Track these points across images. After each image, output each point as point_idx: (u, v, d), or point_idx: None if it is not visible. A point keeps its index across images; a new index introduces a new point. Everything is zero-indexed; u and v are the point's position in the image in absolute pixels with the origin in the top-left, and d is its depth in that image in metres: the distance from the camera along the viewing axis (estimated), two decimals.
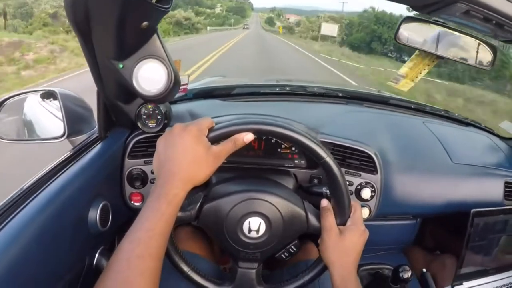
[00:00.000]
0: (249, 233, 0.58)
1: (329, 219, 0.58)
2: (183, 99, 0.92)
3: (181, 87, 0.77)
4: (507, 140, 1.09)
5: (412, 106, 1.13)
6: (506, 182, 0.87)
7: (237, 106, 0.96)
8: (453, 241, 0.96)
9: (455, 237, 0.92)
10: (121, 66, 0.56)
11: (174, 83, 0.58)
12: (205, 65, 8.76)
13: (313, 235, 0.61)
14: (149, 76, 0.57)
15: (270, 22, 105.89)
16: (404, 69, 0.75)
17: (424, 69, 0.76)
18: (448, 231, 1.03)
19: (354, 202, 0.61)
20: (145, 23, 0.51)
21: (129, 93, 0.61)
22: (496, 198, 0.86)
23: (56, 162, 0.64)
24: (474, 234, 0.82)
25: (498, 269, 0.88)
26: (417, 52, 0.75)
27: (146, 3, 0.48)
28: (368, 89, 1.53)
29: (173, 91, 0.59)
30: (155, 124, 0.70)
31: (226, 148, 0.52)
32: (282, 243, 0.61)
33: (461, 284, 0.85)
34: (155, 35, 0.56)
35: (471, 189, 0.86)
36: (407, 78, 0.77)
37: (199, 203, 0.58)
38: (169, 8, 0.52)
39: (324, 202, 0.60)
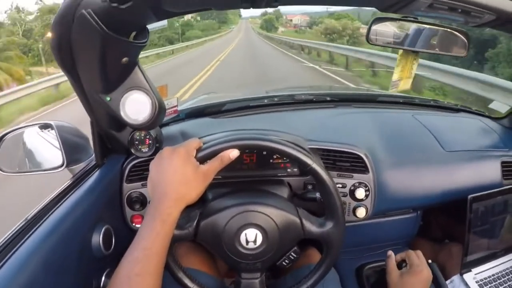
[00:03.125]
0: (247, 244, 0.59)
1: (390, 264, 0.74)
2: (175, 120, 0.94)
3: (171, 109, 0.80)
4: (499, 120, 1.08)
5: (401, 101, 1.14)
6: (502, 162, 0.88)
7: (227, 122, 0.98)
8: (457, 228, 0.96)
9: (459, 224, 0.92)
10: (108, 99, 0.59)
11: (159, 110, 0.61)
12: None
13: (313, 240, 0.63)
14: (134, 106, 0.60)
15: (268, 26, 75.96)
16: (396, 75, 0.77)
17: (413, 64, 0.77)
18: (451, 219, 1.03)
19: (410, 251, 0.74)
20: (125, 59, 0.54)
21: (120, 122, 0.64)
22: (495, 180, 0.86)
23: (57, 191, 0.66)
24: (476, 220, 0.82)
25: (506, 250, 0.88)
26: (398, 55, 0.77)
27: (123, 41, 0.51)
28: (358, 88, 1.55)
29: (158, 118, 0.63)
30: (147, 148, 0.74)
31: (213, 166, 0.55)
32: (281, 251, 0.63)
33: (470, 271, 0.85)
34: (136, 68, 0.59)
35: (468, 175, 0.86)
36: (403, 79, 0.78)
37: (196, 220, 0.60)
38: (145, 42, 0.54)
39: (389, 252, 0.76)
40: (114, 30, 0.48)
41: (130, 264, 0.48)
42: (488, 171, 0.87)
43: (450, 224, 1.04)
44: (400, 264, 0.75)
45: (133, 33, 0.55)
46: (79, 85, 0.59)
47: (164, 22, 0.61)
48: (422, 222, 0.96)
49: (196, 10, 0.53)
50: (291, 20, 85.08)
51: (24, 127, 0.82)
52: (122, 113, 0.60)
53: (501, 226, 0.87)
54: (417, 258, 0.73)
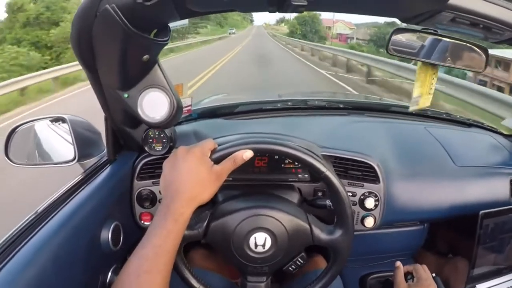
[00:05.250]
0: (255, 248, 0.59)
1: (399, 276, 0.73)
2: (188, 120, 0.94)
3: (185, 109, 0.80)
4: (510, 137, 1.08)
5: (414, 112, 1.13)
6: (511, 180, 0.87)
7: (240, 124, 0.98)
8: (463, 243, 0.95)
9: (465, 239, 0.92)
10: (126, 96, 0.59)
11: (177, 109, 0.61)
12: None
13: (320, 247, 0.63)
14: (152, 105, 0.60)
15: (307, 31, 46.22)
16: (416, 90, 0.75)
17: (433, 79, 0.76)
18: (457, 234, 1.02)
19: (418, 265, 0.73)
20: (146, 56, 0.54)
21: (135, 119, 0.64)
22: (503, 197, 0.85)
23: (68, 185, 0.66)
24: (484, 236, 0.82)
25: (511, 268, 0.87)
26: (417, 69, 0.76)
27: (145, 38, 0.51)
28: (370, 97, 1.54)
29: (176, 116, 0.62)
30: (161, 147, 0.74)
31: (226, 167, 0.55)
32: (289, 256, 0.63)
33: (474, 286, 0.84)
34: (156, 66, 0.59)
35: (477, 191, 0.86)
36: (423, 95, 0.77)
37: (206, 221, 0.60)
38: (167, 40, 0.54)
39: (397, 263, 0.75)
40: (137, 26, 0.48)
41: (139, 260, 0.48)
42: (497, 188, 0.86)
43: (456, 239, 1.03)
44: (406, 277, 0.74)
45: (154, 31, 0.55)
46: (96, 80, 0.59)
47: (186, 21, 0.61)
48: (427, 235, 0.95)
49: (219, 10, 0.53)
50: (328, 28, 57.19)
51: (36, 120, 0.82)
52: (139, 111, 0.60)
53: (508, 243, 0.86)
54: (424, 272, 0.73)
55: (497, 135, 1.09)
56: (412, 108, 0.76)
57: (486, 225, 0.81)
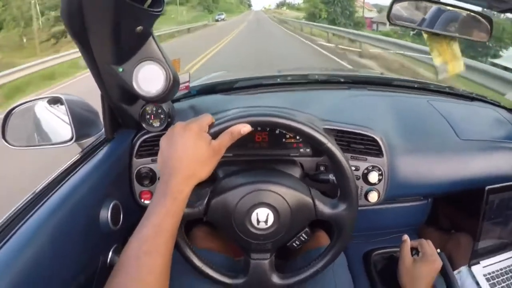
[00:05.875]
0: (257, 224, 0.58)
1: (405, 250, 0.72)
2: (186, 97, 0.93)
3: (183, 85, 0.79)
4: None
5: (416, 85, 1.11)
6: None
7: (239, 99, 0.96)
8: (467, 219, 0.95)
9: (469, 215, 0.91)
10: (120, 70, 0.58)
11: (173, 83, 0.60)
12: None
13: (323, 222, 0.62)
14: (148, 78, 0.59)
15: (337, 13, 26.13)
16: (437, 59, 0.72)
17: (453, 45, 0.72)
18: (461, 209, 1.01)
19: (423, 240, 0.73)
20: (139, 28, 0.52)
21: (131, 95, 0.63)
22: (508, 171, 0.84)
23: (66, 165, 0.66)
24: (489, 212, 0.81)
25: None
26: (426, 40, 0.73)
27: (138, 8, 0.49)
28: (370, 72, 1.52)
29: (172, 90, 0.61)
30: (159, 123, 0.72)
31: (224, 141, 0.54)
32: (292, 232, 0.62)
33: (478, 262, 0.84)
34: (150, 38, 0.58)
35: (481, 165, 0.85)
36: (449, 62, 0.74)
37: (207, 198, 0.59)
38: (161, 11, 0.52)
39: (404, 236, 0.74)
40: None
41: (139, 241, 0.47)
42: (502, 163, 0.85)
43: (458, 215, 1.02)
44: (411, 251, 0.74)
45: (148, 2, 0.53)
46: (90, 55, 0.57)
47: None
48: (430, 210, 0.95)
49: None
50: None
51: (33, 100, 0.81)
52: (134, 85, 0.58)
53: None
54: (429, 247, 0.72)
55: (500, 109, 1.07)
56: (441, 77, 0.74)
57: (491, 200, 0.80)
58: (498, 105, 1.10)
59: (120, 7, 0.47)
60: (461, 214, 1.02)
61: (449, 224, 1.05)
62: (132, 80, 0.58)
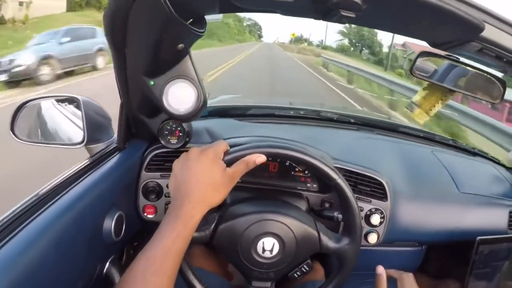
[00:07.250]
0: (263, 253, 0.59)
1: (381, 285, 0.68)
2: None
3: None
4: None
5: (421, 135, 1.15)
6: (511, 212, 0.89)
7: (252, 127, 0.97)
8: (457, 267, 0.97)
9: (459, 264, 0.93)
10: (152, 83, 0.57)
11: (203, 104, 0.60)
12: None
13: (320, 255, 0.63)
14: (178, 95, 0.58)
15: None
16: (417, 97, 0.74)
17: (438, 103, 0.75)
18: (452, 257, 1.03)
19: (402, 273, 0.72)
20: (180, 45, 0.52)
21: (154, 108, 0.62)
22: (501, 227, 0.87)
23: (75, 169, 0.64)
24: (479, 261, 0.83)
25: None
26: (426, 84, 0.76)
27: (184, 26, 0.49)
28: (378, 115, 1.56)
29: (201, 111, 0.61)
30: (176, 140, 0.72)
31: (239, 169, 0.55)
32: (295, 263, 0.62)
33: None
34: (187, 57, 0.58)
35: (477, 218, 0.87)
36: (421, 108, 0.75)
37: (214, 223, 0.59)
38: (203, 32, 0.53)
39: (379, 270, 0.68)
40: (177, 13, 0.46)
41: (147, 261, 0.47)
42: (496, 218, 0.88)
43: (449, 263, 1.04)
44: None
45: (189, 21, 0.53)
46: (122, 62, 0.57)
47: (219, 16, 0.61)
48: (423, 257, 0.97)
49: (261, 10, 0.52)
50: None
51: (47, 97, 0.80)
52: (164, 100, 0.58)
53: (500, 271, 0.88)
54: (409, 281, 0.72)
55: (499, 167, 1.11)
56: (404, 110, 0.76)
57: (481, 251, 0.82)
58: (498, 163, 1.14)
59: (168, 22, 0.47)
60: (452, 262, 1.03)
61: (439, 270, 1.07)
62: (162, 95, 0.58)
